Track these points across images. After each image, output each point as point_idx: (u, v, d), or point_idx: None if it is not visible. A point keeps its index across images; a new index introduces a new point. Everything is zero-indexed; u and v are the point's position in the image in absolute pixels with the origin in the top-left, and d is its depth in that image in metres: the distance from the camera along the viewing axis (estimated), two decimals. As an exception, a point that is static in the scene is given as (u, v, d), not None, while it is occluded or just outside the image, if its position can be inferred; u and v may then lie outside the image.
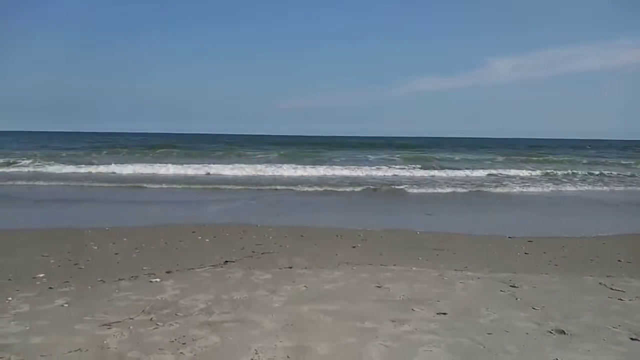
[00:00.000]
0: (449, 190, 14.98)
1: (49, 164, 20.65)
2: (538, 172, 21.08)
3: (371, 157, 29.09)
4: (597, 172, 21.80)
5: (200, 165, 20.92)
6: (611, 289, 4.73)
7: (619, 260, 6.12)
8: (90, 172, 18.46)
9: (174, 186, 14.85)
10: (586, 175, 21.03)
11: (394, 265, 5.66)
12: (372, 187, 15.29)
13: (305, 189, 14.59)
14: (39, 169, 19.51)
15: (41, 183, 14.97)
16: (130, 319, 3.75)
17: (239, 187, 14.67)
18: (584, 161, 29.07)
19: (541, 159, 30.23)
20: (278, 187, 14.81)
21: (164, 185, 14.85)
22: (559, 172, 21.24)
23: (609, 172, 22.42)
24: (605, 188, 16.85)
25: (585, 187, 16.85)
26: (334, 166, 22.11)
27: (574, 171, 22.10)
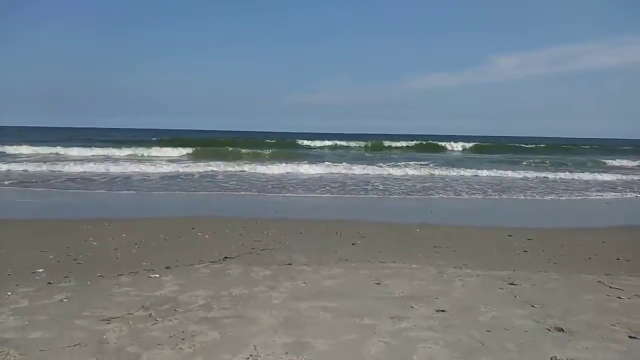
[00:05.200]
0: None
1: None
2: None
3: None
4: None
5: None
6: (610, 287, 4.74)
7: (617, 259, 6.12)
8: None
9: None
10: None
11: (393, 262, 5.66)
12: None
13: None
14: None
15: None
16: (130, 314, 3.76)
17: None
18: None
19: None
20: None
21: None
22: None
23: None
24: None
25: None
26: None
27: None
